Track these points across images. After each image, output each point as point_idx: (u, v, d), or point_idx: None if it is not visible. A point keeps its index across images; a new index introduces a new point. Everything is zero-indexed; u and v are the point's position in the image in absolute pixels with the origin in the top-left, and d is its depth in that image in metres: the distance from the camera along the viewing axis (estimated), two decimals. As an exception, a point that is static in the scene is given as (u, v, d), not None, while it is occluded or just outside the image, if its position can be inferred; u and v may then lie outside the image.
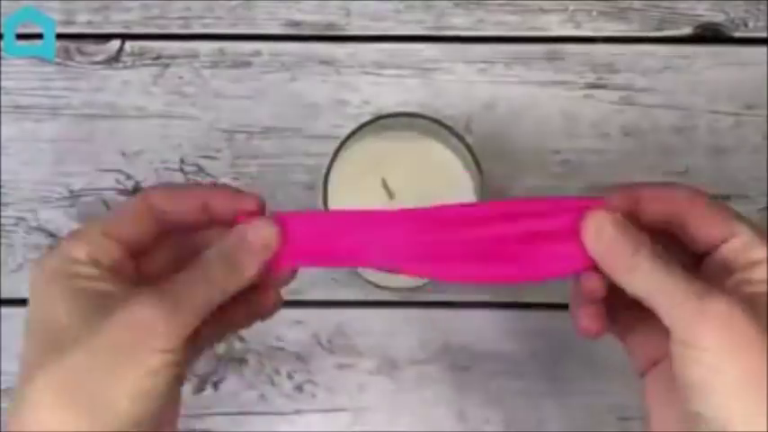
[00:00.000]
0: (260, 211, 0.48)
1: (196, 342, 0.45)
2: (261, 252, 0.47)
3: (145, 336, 0.42)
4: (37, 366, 0.43)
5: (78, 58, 0.65)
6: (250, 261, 0.46)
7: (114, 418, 0.42)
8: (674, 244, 0.47)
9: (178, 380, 0.44)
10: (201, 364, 0.63)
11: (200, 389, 0.63)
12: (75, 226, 0.64)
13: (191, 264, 0.46)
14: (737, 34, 0.65)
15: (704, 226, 0.46)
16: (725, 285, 0.44)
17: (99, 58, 0.65)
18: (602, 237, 0.46)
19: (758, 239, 0.45)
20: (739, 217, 0.46)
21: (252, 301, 0.48)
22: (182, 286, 0.44)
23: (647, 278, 0.44)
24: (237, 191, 0.48)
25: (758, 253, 0.45)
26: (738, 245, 0.45)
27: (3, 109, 0.65)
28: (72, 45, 0.65)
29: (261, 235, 0.47)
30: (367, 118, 0.58)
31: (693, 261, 0.47)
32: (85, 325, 0.43)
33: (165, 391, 0.43)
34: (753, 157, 0.64)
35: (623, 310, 0.48)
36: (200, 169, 0.64)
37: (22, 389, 0.43)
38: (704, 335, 0.42)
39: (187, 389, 0.63)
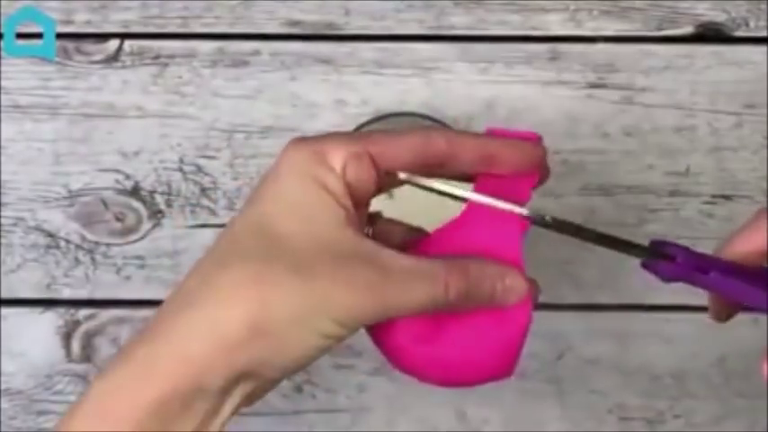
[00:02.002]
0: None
1: None
2: (498, 300, 0.44)
3: (347, 310, 0.41)
4: (239, 258, 0.41)
5: (77, 57, 0.65)
6: (485, 297, 0.44)
7: (275, 365, 0.41)
8: None
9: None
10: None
11: (199, 389, 0.63)
12: (73, 226, 0.64)
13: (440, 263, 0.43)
14: (738, 34, 0.65)
15: None
16: None
17: (98, 57, 0.65)
18: None
19: None
20: None
21: None
22: (407, 277, 0.42)
23: None
24: (520, 142, 0.46)
25: None
26: None
27: (2, 109, 0.65)
28: (71, 44, 0.65)
29: (517, 288, 0.44)
30: (366, 118, 0.58)
31: None
32: (306, 252, 0.41)
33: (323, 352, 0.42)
34: (753, 156, 0.64)
35: None
36: (200, 169, 0.64)
37: (216, 274, 0.41)
38: None
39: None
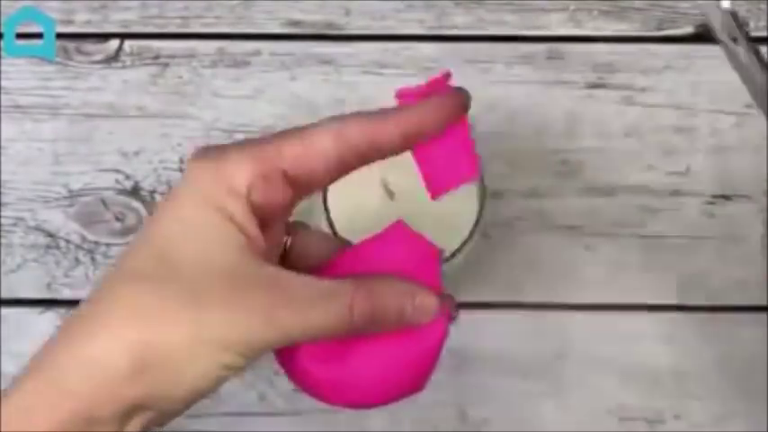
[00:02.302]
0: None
1: None
2: (408, 320, 0.42)
3: (244, 339, 0.39)
4: (132, 287, 0.39)
5: (77, 57, 0.65)
6: (392, 319, 0.42)
7: (171, 397, 0.39)
8: None
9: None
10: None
11: (199, 389, 0.63)
12: (73, 226, 0.64)
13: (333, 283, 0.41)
14: (738, 34, 0.65)
15: None
16: None
17: (98, 57, 0.65)
18: None
19: None
20: None
21: None
22: (308, 302, 0.40)
23: None
24: (438, 98, 0.43)
25: None
26: None
27: (3, 109, 0.65)
28: (71, 45, 0.65)
29: (428, 307, 0.42)
30: (366, 118, 0.58)
31: None
32: (202, 280, 0.39)
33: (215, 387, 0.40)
34: (753, 157, 0.64)
35: None
36: (200, 169, 0.64)
37: (106, 305, 0.39)
38: None
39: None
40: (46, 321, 0.64)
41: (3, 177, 0.64)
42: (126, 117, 0.65)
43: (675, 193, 0.64)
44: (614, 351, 0.64)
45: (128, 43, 0.65)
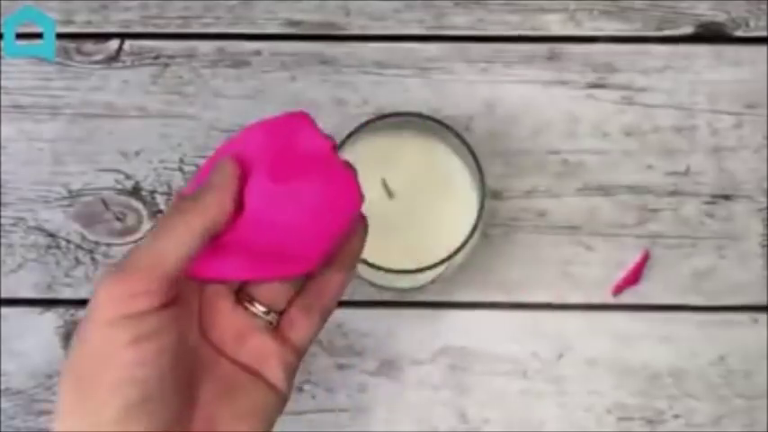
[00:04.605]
0: None
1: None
2: (225, 182, 0.42)
3: (96, 312, 0.39)
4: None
5: (78, 57, 0.65)
6: (218, 191, 0.42)
7: (102, 406, 0.39)
8: None
9: (165, 353, 0.40)
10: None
11: (199, 389, 0.63)
12: (74, 226, 0.64)
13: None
14: (738, 34, 0.65)
15: None
16: None
17: (98, 57, 0.65)
18: None
19: None
20: None
21: None
22: (134, 250, 0.41)
23: None
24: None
25: None
26: None
27: (3, 109, 0.65)
28: (71, 45, 0.65)
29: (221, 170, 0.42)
30: (366, 118, 0.58)
31: None
32: None
33: (154, 367, 0.40)
34: (753, 156, 0.64)
35: None
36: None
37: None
38: None
39: (186, 389, 0.63)
40: (46, 321, 0.64)
41: (3, 177, 0.65)
42: (126, 117, 0.65)
43: (675, 192, 0.64)
44: (614, 351, 0.64)
45: (128, 43, 0.65)
